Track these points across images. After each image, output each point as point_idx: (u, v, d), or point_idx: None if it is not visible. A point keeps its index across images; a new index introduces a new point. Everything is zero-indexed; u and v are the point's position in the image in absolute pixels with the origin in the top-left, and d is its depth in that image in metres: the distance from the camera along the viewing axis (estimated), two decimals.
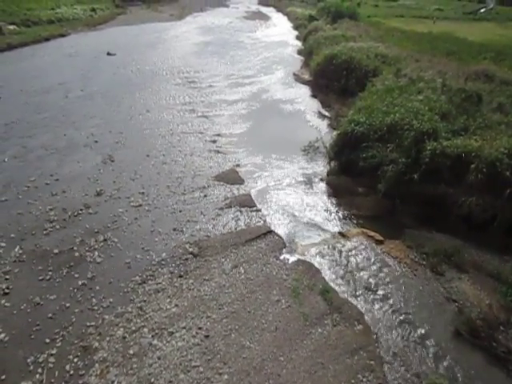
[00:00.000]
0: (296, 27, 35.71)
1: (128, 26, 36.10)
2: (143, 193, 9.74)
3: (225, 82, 19.57)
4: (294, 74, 21.01)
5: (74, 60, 22.91)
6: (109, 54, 24.35)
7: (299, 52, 26.01)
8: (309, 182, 10.62)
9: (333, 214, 9.25)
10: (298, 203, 9.61)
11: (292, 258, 7.76)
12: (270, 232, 8.47)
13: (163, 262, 7.50)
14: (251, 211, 9.21)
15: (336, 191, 10.13)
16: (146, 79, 19.63)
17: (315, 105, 16.58)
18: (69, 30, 31.35)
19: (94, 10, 39.42)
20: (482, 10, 43.67)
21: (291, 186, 10.40)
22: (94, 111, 15.04)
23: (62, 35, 29.72)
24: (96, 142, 12.46)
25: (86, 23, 34.72)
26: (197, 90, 18.12)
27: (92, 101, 16.23)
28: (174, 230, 8.44)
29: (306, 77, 19.92)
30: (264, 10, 56.81)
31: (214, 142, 12.79)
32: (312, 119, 15.12)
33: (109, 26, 36.06)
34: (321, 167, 11.33)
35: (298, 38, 31.34)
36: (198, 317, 6.37)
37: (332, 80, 16.37)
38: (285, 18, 45.84)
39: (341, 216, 9.19)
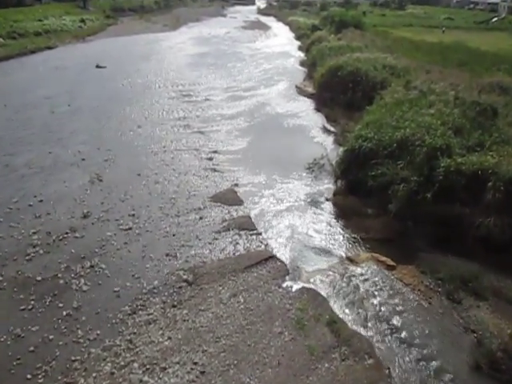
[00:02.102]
0: (298, 37, 36.51)
1: (119, 37, 36.91)
2: (134, 215, 9.79)
3: (222, 96, 19.90)
4: (297, 87, 21.39)
5: (62, 73, 23.35)
6: (98, 66, 24.84)
7: (302, 63, 26.53)
8: (314, 202, 10.69)
9: (340, 238, 9.29)
10: (302, 226, 9.65)
11: (296, 286, 7.75)
12: (272, 257, 8.48)
13: (155, 291, 7.48)
14: (251, 235, 9.24)
15: (343, 212, 10.18)
16: (137, 93, 19.96)
17: (320, 119, 16.82)
18: (56, 42, 32.07)
19: (83, 21, 40.39)
20: (494, 19, 44.65)
21: (294, 207, 10.46)
22: (82, 127, 15.25)
23: (50, 48, 30.41)
24: (83, 159, 12.60)
25: (75, 35, 35.55)
26: (192, 104, 18.41)
27: (80, 116, 16.47)
28: (167, 255, 8.45)
29: (310, 89, 20.27)
30: (264, 19, 58.15)
31: (211, 159, 12.92)
32: (316, 135, 15.32)
33: (99, 37, 36.90)
34: (326, 186, 11.41)
35: (300, 48, 32.02)
36: (193, 351, 6.32)
37: (337, 93, 16.66)
38: (286, 27, 46.91)
39: (349, 239, 9.22)
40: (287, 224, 9.70)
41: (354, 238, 9.24)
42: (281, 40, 38.16)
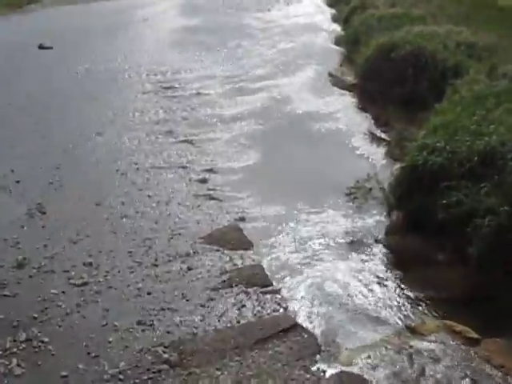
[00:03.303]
0: (332, 3, 36.99)
1: (71, 4, 37.82)
2: (90, 264, 9.90)
3: (221, 88, 20.31)
4: (331, 75, 21.71)
5: None
6: (42, 47, 25.54)
7: (337, 41, 26.82)
8: (357, 244, 10.76)
9: (396, 297, 9.29)
10: (339, 280, 9.67)
11: (332, 370, 7.71)
12: (295, 327, 8.46)
13: (121, 377, 7.47)
14: (264, 293, 9.26)
15: (401, 259, 10.23)
16: (97, 85, 20.49)
17: (364, 122, 17.04)
18: None
19: None
20: None
21: (328, 251, 10.52)
22: (17, 135, 15.64)
23: None
24: (17, 182, 12.88)
25: (9, 3, 36.46)
26: (177, 101, 18.81)
27: (15, 119, 16.94)
28: (140, 323, 8.48)
29: (349, 79, 20.55)
30: None
31: (204, 181, 13.13)
32: (360, 145, 15.48)
33: (43, 5, 37.85)
34: (376, 220, 11.52)
35: (334, 19, 32.43)
36: None
37: (390, 83, 16.78)
38: None
39: (409, 300, 9.21)
40: (317, 277, 9.72)
41: (417, 297, 9.21)
42: (306, 7, 38.64)
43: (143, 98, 19.12)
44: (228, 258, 10.19)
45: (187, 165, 13.97)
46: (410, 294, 9.30)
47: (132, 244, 10.55)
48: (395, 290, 9.43)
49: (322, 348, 8.08)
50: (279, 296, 9.19)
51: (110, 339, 8.12)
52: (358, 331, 8.47)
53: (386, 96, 16.92)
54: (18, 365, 7.58)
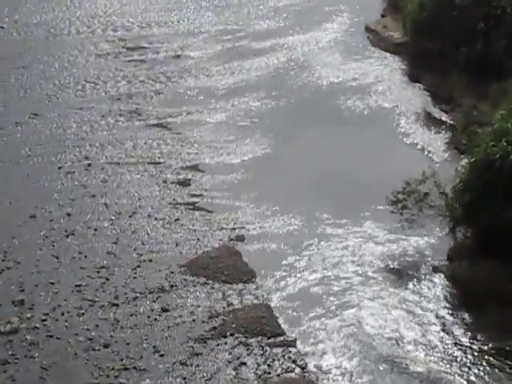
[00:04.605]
0: None
1: None
2: (22, 302, 9.92)
3: (210, 49, 20.39)
4: (369, 30, 21.72)
5: None
6: None
7: None
8: (406, 273, 10.81)
9: (463, 349, 9.23)
10: (380, 324, 9.67)
11: None
12: None
13: None
14: (272, 345, 9.26)
15: (470, 295, 10.23)
16: (31, 45, 20.56)
17: (417, 97, 17.09)
18: None
19: None
20: None
21: (365, 283, 10.55)
22: None
23: None
24: None
25: None
26: (146, 68, 18.89)
27: None
28: None
29: (395, 35, 20.50)
30: None
31: (186, 184, 13.20)
32: (411, 130, 15.53)
33: None
34: (434, 240, 11.55)
35: None
36: None
37: (454, 42, 16.77)
38: None
39: (481, 353, 9.14)
40: (349, 321, 9.72)
41: (494, 349, 9.13)
42: None
43: (98, 62, 19.04)
44: (220, 295, 10.18)
45: (161, 160, 14.01)
46: (483, 345, 9.24)
47: (81, 274, 10.54)
48: (461, 339, 9.37)
49: None
50: (294, 349, 9.14)
51: None
52: None
53: (447, 60, 16.96)
54: None
